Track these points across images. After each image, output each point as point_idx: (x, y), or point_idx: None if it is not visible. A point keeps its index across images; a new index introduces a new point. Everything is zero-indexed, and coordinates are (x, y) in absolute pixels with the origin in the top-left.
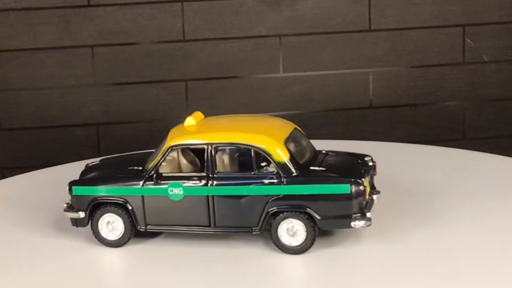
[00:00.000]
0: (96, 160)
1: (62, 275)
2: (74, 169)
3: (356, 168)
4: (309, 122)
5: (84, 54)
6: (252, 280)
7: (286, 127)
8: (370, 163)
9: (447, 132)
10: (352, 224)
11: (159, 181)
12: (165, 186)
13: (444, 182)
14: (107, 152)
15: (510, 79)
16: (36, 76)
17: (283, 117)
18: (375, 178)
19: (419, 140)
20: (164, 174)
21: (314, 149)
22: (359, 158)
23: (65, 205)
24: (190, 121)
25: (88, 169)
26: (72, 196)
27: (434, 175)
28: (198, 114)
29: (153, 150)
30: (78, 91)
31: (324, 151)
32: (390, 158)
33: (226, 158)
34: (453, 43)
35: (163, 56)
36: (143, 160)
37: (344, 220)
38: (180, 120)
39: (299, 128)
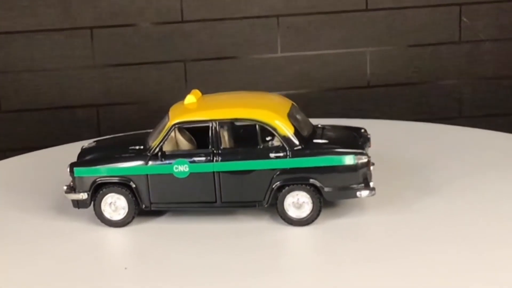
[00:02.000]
0: (91, 141)
1: (68, 257)
2: (74, 150)
3: (355, 140)
4: (307, 101)
5: (84, 36)
6: (261, 254)
7: (285, 102)
8: (365, 135)
9: (444, 111)
10: (358, 194)
11: (163, 159)
12: (170, 163)
13: (441, 156)
14: (107, 133)
15: (506, 57)
16: (36, 58)
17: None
18: (369, 150)
19: (416, 118)
20: (168, 152)
21: (311, 123)
22: (354, 130)
23: (65, 187)
24: (190, 99)
25: (85, 151)
26: (74, 177)
27: (432, 150)
28: (196, 92)
29: (149, 130)
30: (77, 73)
31: (320, 125)
32: (387, 135)
33: (231, 134)
34: (450, 22)
35: (162, 37)
36: (142, 139)
37: (350, 190)
38: (180, 100)
39: (295, 104)
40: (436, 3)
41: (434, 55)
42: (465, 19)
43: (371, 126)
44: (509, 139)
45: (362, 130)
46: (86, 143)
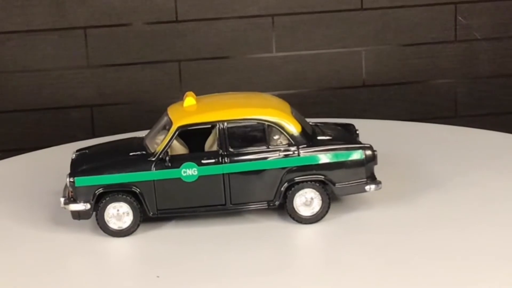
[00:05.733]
0: (77, 150)
1: (80, 270)
2: (68, 151)
3: (352, 135)
4: (303, 101)
5: (77, 36)
6: (274, 252)
7: (284, 102)
8: (354, 131)
9: (440, 110)
10: (367, 188)
11: (170, 163)
12: (178, 168)
13: (437, 155)
14: (101, 134)
15: (501, 56)
16: (29, 58)
17: (277, 96)
18: None
19: (412, 118)
20: (175, 156)
21: (307, 122)
22: (344, 127)
23: (62, 199)
24: (190, 101)
25: (78, 160)
26: (75, 187)
27: (428, 149)
28: (192, 94)
29: (137, 136)
30: (71, 73)
31: (312, 123)
32: (384, 135)
33: (238, 135)
34: (445, 21)
35: (156, 37)
36: (139, 144)
37: (359, 185)
38: (174, 100)
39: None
40: (431, 2)
41: (429, 55)
42: (460, 18)
43: (367, 125)
44: (506, 138)
45: (352, 126)
46: (73, 155)
